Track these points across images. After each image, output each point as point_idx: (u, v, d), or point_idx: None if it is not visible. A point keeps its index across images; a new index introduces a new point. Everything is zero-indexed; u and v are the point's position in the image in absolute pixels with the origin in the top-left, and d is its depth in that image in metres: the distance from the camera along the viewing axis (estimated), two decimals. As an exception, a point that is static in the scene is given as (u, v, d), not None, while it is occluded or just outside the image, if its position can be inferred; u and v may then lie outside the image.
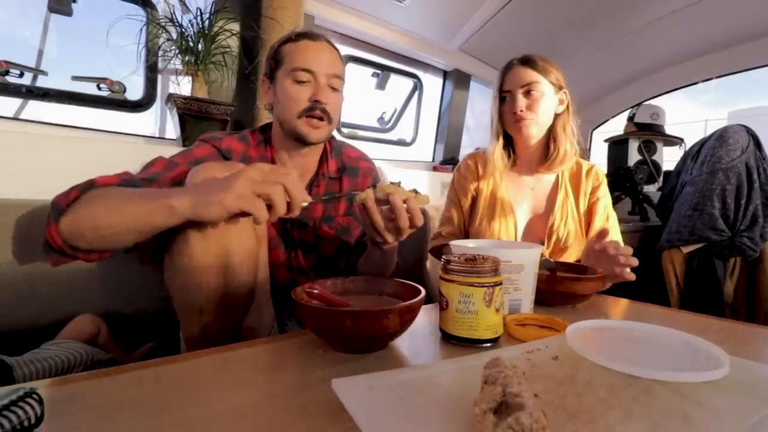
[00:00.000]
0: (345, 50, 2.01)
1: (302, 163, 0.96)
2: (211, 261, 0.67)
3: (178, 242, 0.68)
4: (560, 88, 1.09)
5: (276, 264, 0.90)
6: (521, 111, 1.05)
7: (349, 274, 1.01)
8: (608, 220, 1.09)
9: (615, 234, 1.08)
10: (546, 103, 1.06)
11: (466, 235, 1.19)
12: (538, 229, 1.12)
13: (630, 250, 0.86)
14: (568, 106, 1.11)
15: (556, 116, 1.10)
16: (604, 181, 1.12)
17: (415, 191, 0.71)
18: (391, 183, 0.70)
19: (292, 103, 0.88)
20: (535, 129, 1.07)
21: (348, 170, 1.01)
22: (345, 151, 1.04)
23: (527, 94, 1.06)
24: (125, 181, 0.72)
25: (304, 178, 0.98)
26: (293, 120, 0.88)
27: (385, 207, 0.71)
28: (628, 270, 0.85)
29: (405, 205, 0.69)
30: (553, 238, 1.09)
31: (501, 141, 1.14)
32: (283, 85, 0.89)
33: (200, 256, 0.66)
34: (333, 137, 1.06)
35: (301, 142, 0.90)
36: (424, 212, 1.57)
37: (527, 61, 1.07)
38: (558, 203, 1.10)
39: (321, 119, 0.88)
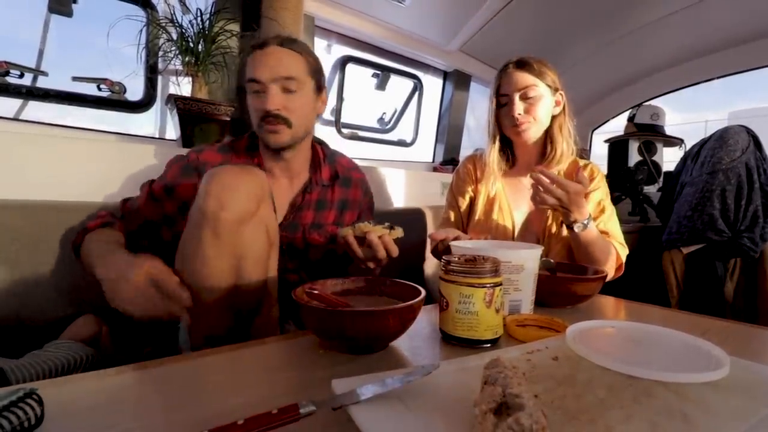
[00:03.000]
0: (345, 51, 2.01)
1: (288, 167, 0.98)
2: (224, 265, 0.67)
3: (191, 245, 0.68)
4: (556, 89, 1.09)
5: None
6: (519, 115, 1.05)
7: (337, 274, 1.03)
8: (603, 211, 1.08)
9: (612, 226, 1.08)
10: (543, 105, 1.07)
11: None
12: (535, 227, 1.12)
13: (562, 184, 0.90)
14: (564, 107, 1.11)
15: (553, 117, 1.10)
16: (600, 176, 1.12)
17: (390, 226, 0.81)
18: (368, 222, 0.81)
19: (252, 116, 0.92)
20: (533, 132, 1.08)
21: (341, 179, 1.03)
22: (338, 160, 1.06)
23: (525, 97, 1.06)
24: (109, 219, 0.89)
25: (293, 184, 0.99)
26: (257, 130, 0.92)
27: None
28: (544, 197, 0.91)
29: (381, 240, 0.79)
30: (546, 234, 1.09)
31: (498, 144, 1.14)
32: (247, 98, 0.93)
33: (213, 259, 0.66)
34: (325, 144, 1.08)
35: (270, 149, 0.93)
36: (421, 214, 1.60)
37: (523, 64, 1.07)
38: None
39: (275, 124, 0.89)
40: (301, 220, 0.96)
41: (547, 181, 0.90)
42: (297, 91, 0.90)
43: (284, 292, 0.91)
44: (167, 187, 0.92)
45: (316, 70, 0.95)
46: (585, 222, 0.94)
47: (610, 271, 1.02)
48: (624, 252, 1.06)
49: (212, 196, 0.66)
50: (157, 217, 0.92)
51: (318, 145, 1.05)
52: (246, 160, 0.96)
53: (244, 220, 0.68)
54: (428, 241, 1.26)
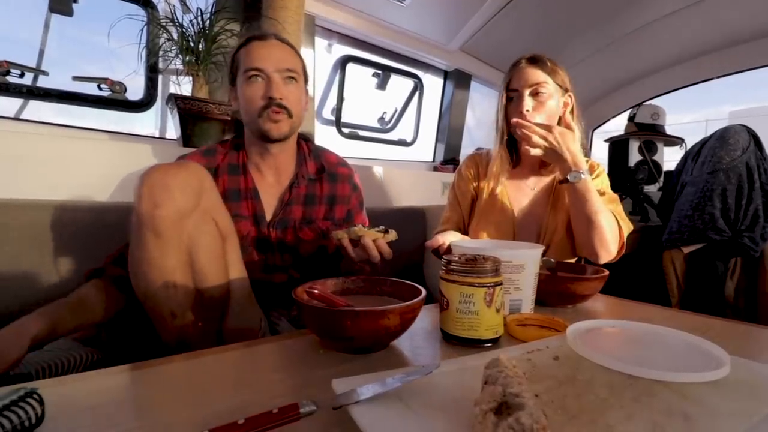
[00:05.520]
0: (345, 50, 2.01)
1: (275, 163, 0.98)
2: (173, 264, 0.67)
3: (137, 249, 0.67)
4: (566, 90, 1.08)
5: (250, 264, 0.90)
6: (527, 111, 1.04)
7: (328, 271, 1.01)
8: (605, 195, 1.07)
9: (615, 207, 1.06)
10: (552, 105, 1.06)
11: (466, 235, 1.19)
12: (536, 227, 1.12)
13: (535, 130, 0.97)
14: (572, 110, 1.10)
15: (560, 119, 1.09)
16: (599, 170, 1.12)
17: (385, 230, 0.83)
18: (362, 227, 0.82)
19: (249, 104, 0.90)
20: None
21: (328, 174, 1.03)
22: (323, 155, 1.06)
23: (535, 94, 1.05)
24: (103, 265, 0.83)
25: (280, 180, 0.99)
26: (255, 120, 0.91)
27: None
28: (536, 140, 0.96)
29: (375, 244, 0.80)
30: (546, 234, 1.09)
31: (505, 141, 1.13)
32: (241, 88, 0.92)
33: (159, 259, 0.66)
34: (310, 140, 1.08)
35: (267, 140, 0.92)
36: (422, 213, 1.61)
37: (536, 61, 1.06)
38: (553, 198, 1.10)
39: (279, 112, 0.90)
40: (291, 216, 0.96)
41: (527, 124, 0.96)
42: (297, 83, 0.94)
43: (273, 291, 0.91)
44: None
45: (304, 68, 0.99)
46: (581, 173, 0.94)
47: (614, 247, 1.00)
48: (627, 228, 1.04)
49: (144, 196, 0.65)
50: None
51: (303, 141, 1.06)
52: (230, 159, 0.96)
53: (183, 215, 0.67)
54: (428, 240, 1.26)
